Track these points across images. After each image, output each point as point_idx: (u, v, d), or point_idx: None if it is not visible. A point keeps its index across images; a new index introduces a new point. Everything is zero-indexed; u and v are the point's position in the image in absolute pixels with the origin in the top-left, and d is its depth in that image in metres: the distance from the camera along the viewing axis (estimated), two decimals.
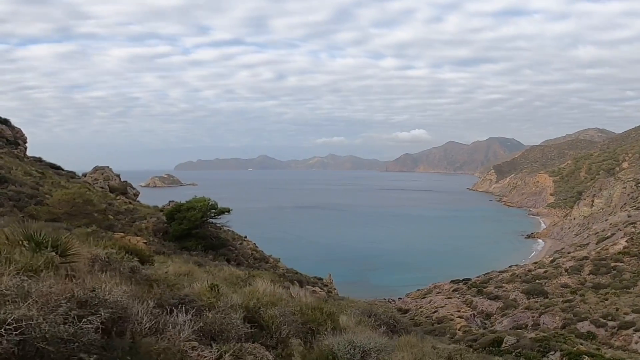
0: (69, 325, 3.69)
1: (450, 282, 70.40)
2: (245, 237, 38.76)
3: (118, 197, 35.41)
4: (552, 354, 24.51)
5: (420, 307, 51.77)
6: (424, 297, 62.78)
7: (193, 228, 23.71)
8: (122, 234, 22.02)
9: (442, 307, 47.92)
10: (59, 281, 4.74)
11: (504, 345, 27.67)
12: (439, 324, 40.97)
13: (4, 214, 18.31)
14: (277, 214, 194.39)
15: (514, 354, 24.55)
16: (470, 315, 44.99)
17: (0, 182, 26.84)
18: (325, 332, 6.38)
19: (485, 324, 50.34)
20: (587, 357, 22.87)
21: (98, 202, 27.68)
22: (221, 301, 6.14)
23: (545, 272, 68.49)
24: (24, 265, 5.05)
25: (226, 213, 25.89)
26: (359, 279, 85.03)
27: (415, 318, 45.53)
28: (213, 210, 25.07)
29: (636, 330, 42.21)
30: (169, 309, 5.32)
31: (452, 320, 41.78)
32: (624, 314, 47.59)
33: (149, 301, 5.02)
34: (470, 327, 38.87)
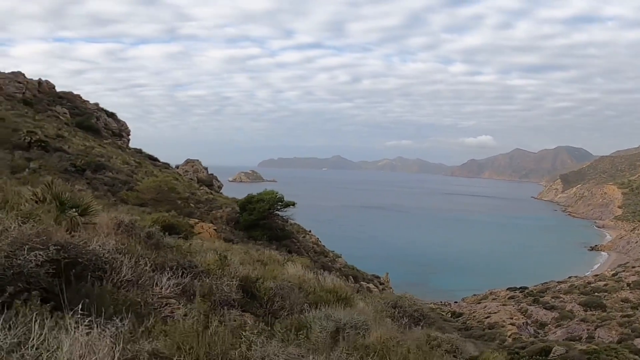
0: (16, 258, 3.72)
1: (507, 289, 67.74)
2: (310, 231, 39.91)
3: (201, 188, 37.41)
4: None
5: (473, 312, 50.70)
6: (479, 303, 61.08)
7: (261, 219, 24.74)
8: (197, 220, 22.75)
9: (495, 313, 46.64)
10: (58, 230, 4.90)
11: (551, 355, 27.00)
12: (490, 329, 40.14)
13: (99, 197, 18.65)
14: (345, 212, 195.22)
15: None
16: (523, 323, 43.48)
17: (98, 169, 27.98)
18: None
19: (539, 333, 48.27)
20: None
21: (182, 191, 29.01)
22: (225, 271, 6.21)
23: (605, 285, 63.84)
24: (26, 214, 5.25)
25: (291, 206, 26.86)
26: (419, 280, 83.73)
27: (468, 322, 44.84)
28: (279, 203, 26.14)
29: None
30: (168, 270, 5.38)
31: (503, 327, 40.72)
32: None
33: (141, 259, 5.12)
34: (521, 335, 37.73)
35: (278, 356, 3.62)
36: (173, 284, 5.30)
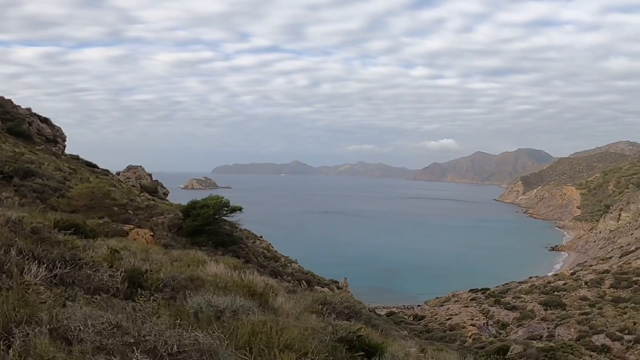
0: None
1: (469, 291, 69.68)
2: (261, 237, 39.73)
3: (142, 194, 36.69)
4: None
5: (435, 315, 51.65)
6: (442, 305, 62.46)
7: (205, 224, 24.62)
8: (133, 226, 22.61)
9: (457, 314, 47.71)
10: None
11: (509, 353, 27.65)
12: (450, 331, 40.96)
13: (26, 205, 18.79)
14: (305, 218, 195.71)
15: None
16: (483, 324, 44.66)
17: (27, 175, 27.53)
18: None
19: (501, 333, 49.74)
20: None
21: (120, 197, 28.57)
22: (115, 264, 6.70)
23: (564, 284, 66.91)
24: None
25: (238, 211, 26.79)
26: (382, 285, 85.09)
27: (429, 325, 45.52)
28: (225, 208, 26.04)
29: None
30: (45, 261, 5.79)
31: (464, 328, 41.65)
32: None
33: (12, 249, 5.62)
34: (481, 335, 38.66)
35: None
36: (47, 274, 5.65)
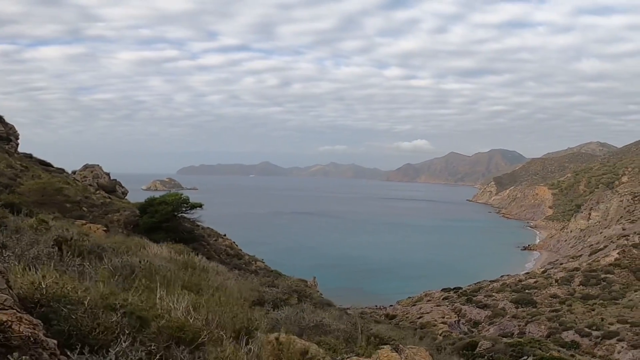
0: None
1: (442, 290, 70.98)
2: (224, 235, 39.65)
3: (98, 192, 36.29)
4: (524, 359, 24.93)
5: (407, 314, 52.36)
6: (415, 305, 63.33)
7: (163, 221, 24.34)
8: (85, 222, 22.51)
9: (428, 313, 48.56)
10: None
11: (477, 349, 28.15)
12: (421, 329, 41.59)
13: None
14: (275, 219, 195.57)
15: (486, 357, 24.95)
16: (454, 321, 45.60)
17: None
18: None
19: (472, 331, 50.83)
20: None
21: (73, 195, 28.30)
22: (41, 232, 7.14)
23: (535, 282, 69.12)
24: None
25: (198, 208, 26.60)
26: (354, 285, 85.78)
27: (400, 323, 46.07)
28: (185, 205, 25.79)
29: (619, 341, 42.76)
30: None
31: (435, 325, 42.44)
32: (609, 324, 48.16)
33: None
34: (452, 333, 39.45)
35: None
36: None
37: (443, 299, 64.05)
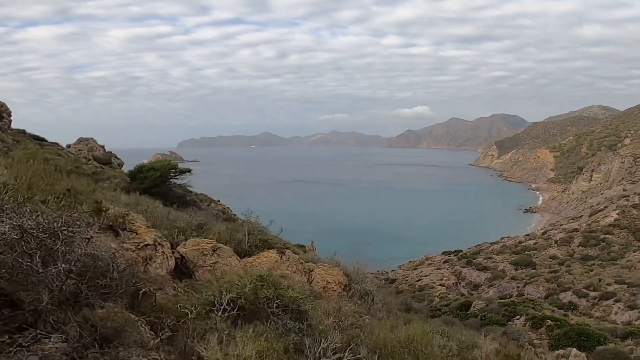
0: None
1: (442, 253, 71.45)
2: (218, 200, 39.82)
3: (89, 163, 36.42)
4: (517, 318, 25.16)
5: (407, 277, 52.87)
6: (415, 269, 63.95)
7: (153, 187, 24.35)
8: None
9: (427, 276, 48.99)
10: None
11: (471, 309, 28.43)
12: (420, 291, 42.07)
13: None
14: (277, 188, 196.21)
15: (479, 317, 25.15)
16: (453, 283, 46.04)
17: None
18: None
19: (472, 294, 51.40)
20: (550, 321, 23.48)
21: (63, 165, 28.50)
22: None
23: (535, 243, 69.45)
24: None
25: (187, 173, 26.67)
26: (355, 252, 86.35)
27: (400, 287, 46.58)
28: (173, 171, 25.76)
29: (616, 301, 43.26)
30: None
31: (432, 288, 42.90)
32: (607, 285, 48.68)
33: None
34: (449, 294, 39.88)
35: None
36: None
37: (443, 262, 64.58)
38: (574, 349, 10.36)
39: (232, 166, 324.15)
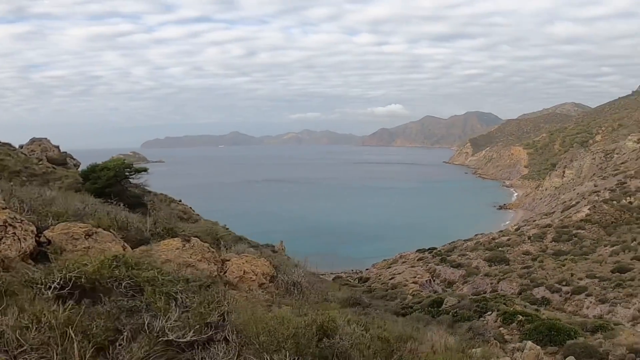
0: None
1: (417, 251, 72.35)
2: (180, 200, 39.52)
3: (40, 163, 35.76)
4: (489, 314, 25.48)
5: (380, 276, 53.26)
6: (390, 267, 64.50)
7: (106, 187, 23.92)
8: None
9: (400, 274, 49.51)
10: None
11: (443, 306, 28.74)
12: (392, 289, 42.42)
13: None
14: (247, 188, 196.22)
15: (451, 313, 25.40)
16: (426, 281, 46.64)
17: None
18: None
19: (447, 291, 52.17)
20: (521, 317, 23.85)
21: (13, 165, 27.90)
22: None
23: (508, 240, 71.11)
24: None
25: (143, 172, 26.34)
26: (328, 251, 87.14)
27: (373, 285, 46.81)
28: (128, 170, 25.38)
29: (588, 296, 44.65)
30: None
31: (405, 286, 43.36)
32: (579, 279, 50.22)
33: None
34: (421, 292, 40.37)
35: None
36: None
37: (418, 260, 65.39)
38: (529, 341, 10.59)
39: (199, 166, 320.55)
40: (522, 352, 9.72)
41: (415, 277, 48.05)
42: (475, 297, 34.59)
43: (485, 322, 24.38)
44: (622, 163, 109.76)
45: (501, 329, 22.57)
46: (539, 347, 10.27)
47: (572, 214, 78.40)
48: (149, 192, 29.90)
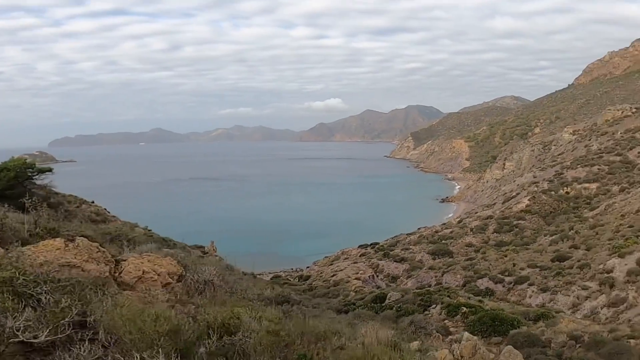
0: None
1: (359, 247, 73.95)
2: (92, 201, 38.74)
3: None
4: (433, 307, 26.51)
5: (321, 273, 53.95)
6: (331, 264, 65.56)
7: (7, 189, 22.97)
8: None
9: (342, 270, 50.46)
10: None
11: (387, 301, 29.69)
12: (334, 286, 43.17)
13: None
14: (172, 187, 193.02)
15: (394, 308, 26.13)
16: (369, 276, 47.89)
17: None
18: None
19: (391, 286, 53.80)
20: (465, 308, 25.01)
21: None
22: None
23: (451, 232, 74.52)
24: None
25: (48, 172, 25.53)
26: (266, 250, 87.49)
27: (314, 283, 47.35)
28: (30, 170, 24.45)
29: (530, 285, 47.64)
30: None
31: (348, 282, 44.28)
32: (520, 269, 53.49)
33: None
34: (364, 288, 41.46)
35: None
36: None
37: (360, 256, 66.96)
38: (466, 332, 11.36)
39: (117, 165, 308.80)
40: (460, 343, 10.29)
41: (357, 273, 49.17)
42: (419, 290, 35.93)
43: (429, 315, 25.53)
44: (559, 154, 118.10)
45: (446, 321, 23.71)
46: (476, 337, 10.93)
47: (513, 205, 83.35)
48: (56, 193, 28.96)
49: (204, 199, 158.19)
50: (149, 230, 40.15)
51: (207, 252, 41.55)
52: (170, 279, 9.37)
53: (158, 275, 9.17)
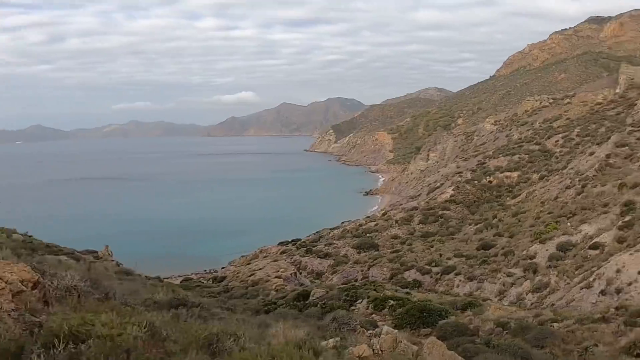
0: None
1: (279, 244, 74.79)
2: None
3: None
4: (359, 302, 27.55)
5: (238, 273, 54.03)
6: (249, 263, 65.77)
7: None
8: None
9: (260, 269, 50.90)
10: None
11: (311, 298, 30.51)
12: (253, 286, 43.56)
13: None
14: (57, 188, 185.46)
15: (319, 305, 26.82)
16: (291, 274, 48.72)
17: None
18: None
19: (315, 282, 54.90)
20: (392, 301, 26.26)
21: None
22: None
23: (376, 225, 77.45)
24: None
25: None
26: (174, 251, 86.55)
27: (230, 284, 47.36)
28: None
29: (457, 274, 50.81)
30: None
31: (268, 281, 44.83)
32: (447, 259, 56.94)
33: None
34: (286, 286, 42.19)
35: None
36: None
37: (281, 254, 67.90)
38: (386, 326, 12.21)
39: None
40: (379, 337, 10.74)
41: (278, 271, 49.77)
42: (345, 286, 37.14)
43: (356, 310, 26.62)
44: (481, 144, 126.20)
45: (373, 315, 24.89)
46: (396, 331, 11.57)
47: (438, 195, 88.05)
48: None
49: (97, 200, 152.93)
50: (30, 237, 38.13)
51: (101, 257, 40.35)
52: (23, 287, 9.01)
53: (5, 283, 8.76)
